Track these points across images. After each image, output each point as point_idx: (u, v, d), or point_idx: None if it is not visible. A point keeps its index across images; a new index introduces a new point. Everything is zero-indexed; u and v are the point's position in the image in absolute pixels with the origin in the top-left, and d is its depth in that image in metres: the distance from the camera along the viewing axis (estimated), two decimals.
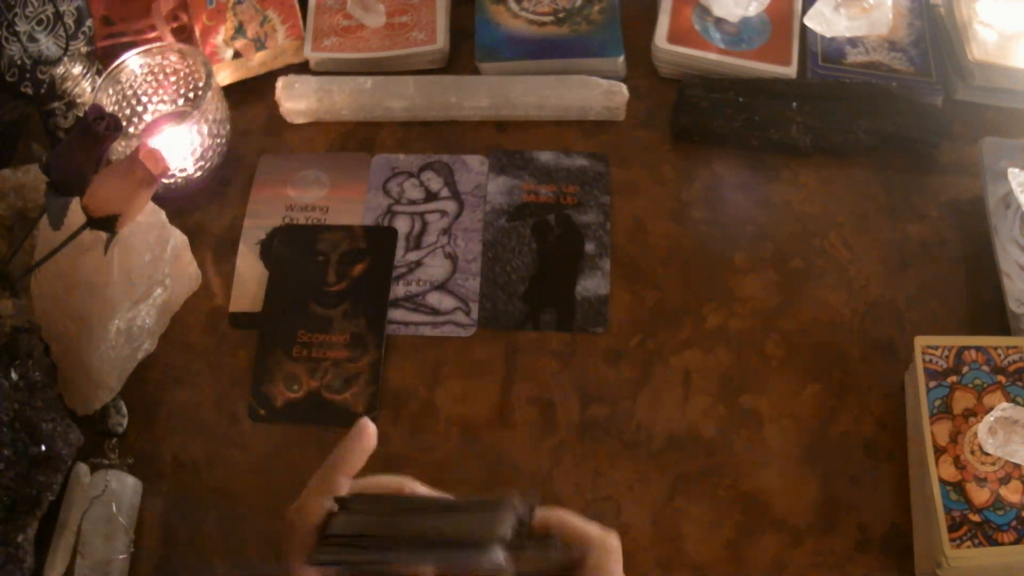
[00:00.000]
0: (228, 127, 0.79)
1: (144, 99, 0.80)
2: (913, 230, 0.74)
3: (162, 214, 0.71)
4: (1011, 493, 0.56)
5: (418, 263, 0.75)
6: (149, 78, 0.79)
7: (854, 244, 0.73)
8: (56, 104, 0.76)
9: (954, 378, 0.60)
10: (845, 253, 0.73)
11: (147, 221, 0.69)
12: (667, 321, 0.71)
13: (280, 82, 0.82)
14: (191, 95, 0.80)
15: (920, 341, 0.61)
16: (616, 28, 0.84)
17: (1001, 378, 0.59)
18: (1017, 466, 0.56)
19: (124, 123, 0.75)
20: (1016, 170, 0.70)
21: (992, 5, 0.79)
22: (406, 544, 0.42)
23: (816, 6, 0.82)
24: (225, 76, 0.84)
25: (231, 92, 0.83)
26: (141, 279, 0.68)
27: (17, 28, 0.70)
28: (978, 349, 0.61)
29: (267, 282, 0.74)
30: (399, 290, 0.73)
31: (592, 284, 0.73)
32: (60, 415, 0.64)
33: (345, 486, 0.46)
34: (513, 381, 0.69)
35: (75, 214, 0.63)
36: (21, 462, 0.61)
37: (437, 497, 0.46)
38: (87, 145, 0.61)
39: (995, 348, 0.60)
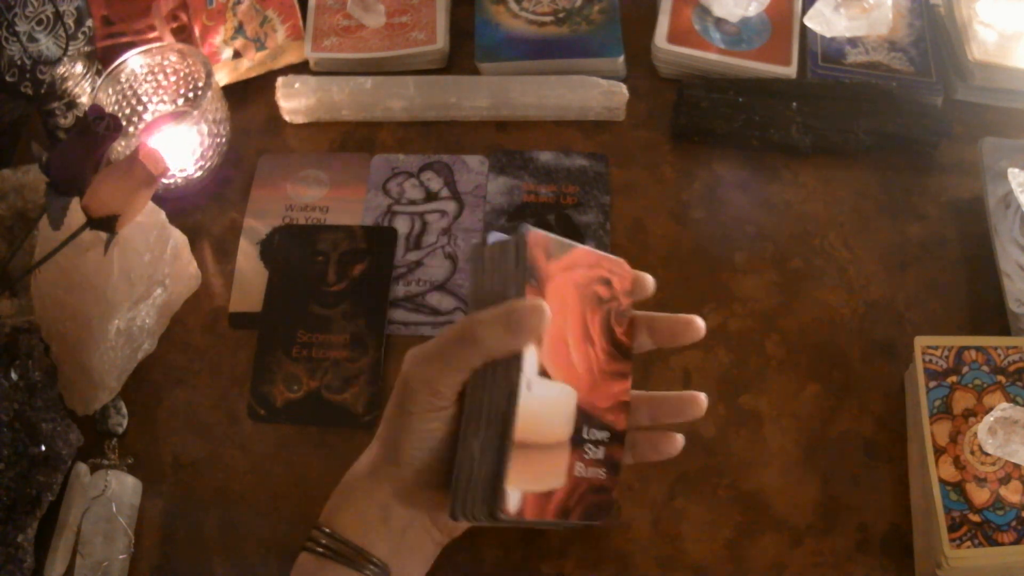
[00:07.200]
0: (228, 127, 0.79)
1: (144, 99, 0.80)
2: (913, 230, 0.74)
3: (162, 214, 0.71)
4: (1011, 493, 0.56)
5: (418, 263, 0.75)
6: (149, 78, 0.79)
7: (854, 244, 0.73)
8: (56, 104, 0.76)
9: (954, 378, 0.60)
10: (845, 253, 0.73)
11: (147, 221, 0.69)
12: None
13: (280, 82, 0.82)
14: (191, 95, 0.80)
15: (920, 341, 0.61)
16: (616, 28, 0.84)
17: (1001, 378, 0.59)
18: (1017, 466, 0.56)
19: (124, 123, 0.75)
20: (1016, 170, 0.70)
21: (992, 5, 0.79)
22: None
23: (816, 6, 0.83)
24: (225, 76, 0.84)
25: (231, 92, 0.83)
26: (141, 279, 0.68)
27: (17, 28, 0.70)
28: (978, 349, 0.61)
29: (267, 282, 0.74)
30: (399, 290, 0.73)
31: None
32: (60, 415, 0.64)
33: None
34: None
35: (75, 214, 0.63)
36: (21, 462, 0.61)
37: None
38: (87, 145, 0.61)
39: (995, 348, 0.60)
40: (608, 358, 0.52)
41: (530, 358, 0.47)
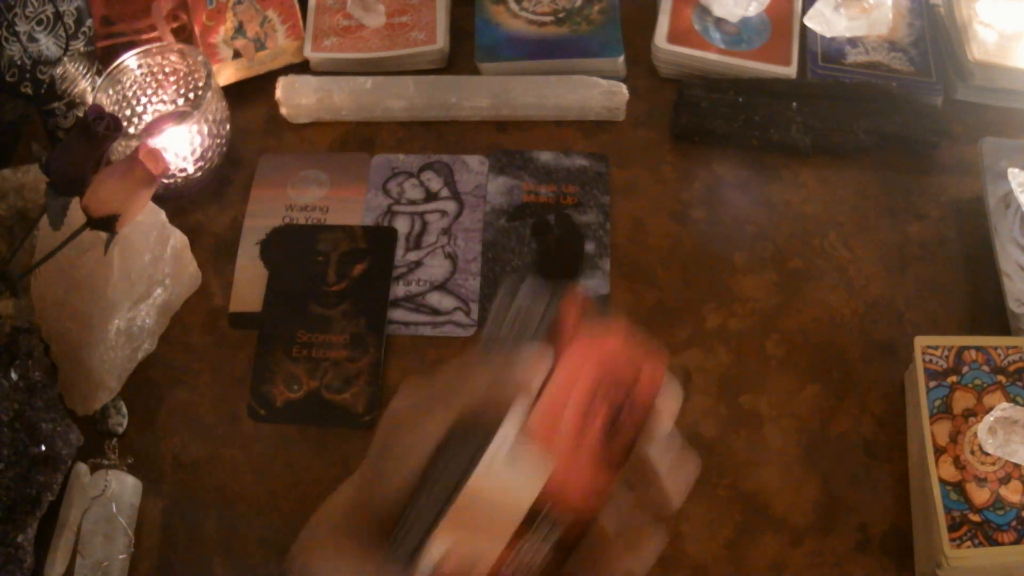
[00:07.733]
0: (228, 127, 0.79)
1: (144, 99, 0.80)
2: (913, 230, 0.74)
3: (162, 214, 0.71)
4: (1011, 493, 0.56)
5: (418, 263, 0.75)
6: (149, 78, 0.79)
7: (854, 244, 0.73)
8: (56, 104, 0.76)
9: (954, 378, 0.60)
10: (845, 253, 0.73)
11: (147, 221, 0.69)
12: (667, 321, 0.71)
13: (280, 82, 0.82)
14: (191, 95, 0.80)
15: (920, 341, 0.61)
16: (616, 28, 0.84)
17: (1001, 378, 0.59)
18: (1017, 466, 0.56)
19: (124, 123, 0.75)
20: (1016, 170, 0.70)
21: (992, 5, 0.79)
22: None
23: (816, 6, 0.83)
24: (225, 76, 0.84)
25: (231, 92, 0.83)
26: (141, 279, 0.68)
27: (17, 28, 0.70)
28: (978, 349, 0.61)
29: (267, 282, 0.74)
30: (399, 290, 0.73)
31: (592, 284, 0.73)
32: (60, 415, 0.64)
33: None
34: None
35: (75, 214, 0.63)
36: (21, 462, 0.61)
37: None
38: (87, 145, 0.61)
39: (995, 348, 0.60)
40: (600, 447, 0.47)
41: (510, 423, 0.44)
